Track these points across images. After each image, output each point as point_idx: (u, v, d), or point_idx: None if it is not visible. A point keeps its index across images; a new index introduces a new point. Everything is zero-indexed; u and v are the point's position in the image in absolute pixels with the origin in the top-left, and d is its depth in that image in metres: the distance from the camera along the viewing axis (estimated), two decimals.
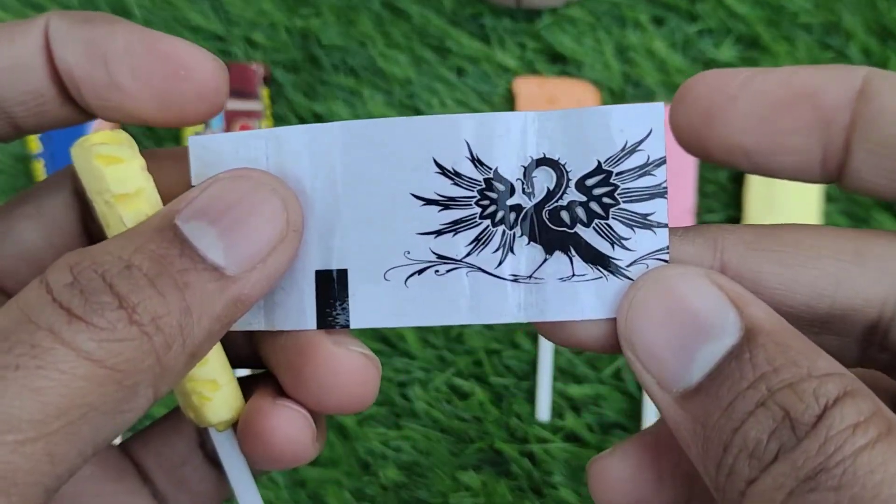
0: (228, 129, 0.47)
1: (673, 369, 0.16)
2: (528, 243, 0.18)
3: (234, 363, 0.19)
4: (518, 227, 0.18)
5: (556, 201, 0.18)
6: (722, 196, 0.47)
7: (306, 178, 0.18)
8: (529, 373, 0.46)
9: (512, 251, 0.18)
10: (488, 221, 0.18)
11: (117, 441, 0.21)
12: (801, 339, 0.15)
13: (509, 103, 0.48)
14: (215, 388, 0.18)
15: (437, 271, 0.18)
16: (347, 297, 0.18)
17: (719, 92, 0.17)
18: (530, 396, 0.46)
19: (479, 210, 0.18)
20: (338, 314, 0.18)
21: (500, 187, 0.18)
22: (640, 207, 0.17)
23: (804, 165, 0.17)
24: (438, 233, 0.18)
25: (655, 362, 0.16)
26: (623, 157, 0.17)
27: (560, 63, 0.48)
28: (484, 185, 0.17)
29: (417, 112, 0.48)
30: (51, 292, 0.14)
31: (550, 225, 0.18)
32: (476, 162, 0.17)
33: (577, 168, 0.17)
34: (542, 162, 0.17)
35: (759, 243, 0.17)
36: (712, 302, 0.16)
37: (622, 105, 0.17)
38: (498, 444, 0.45)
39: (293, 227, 0.17)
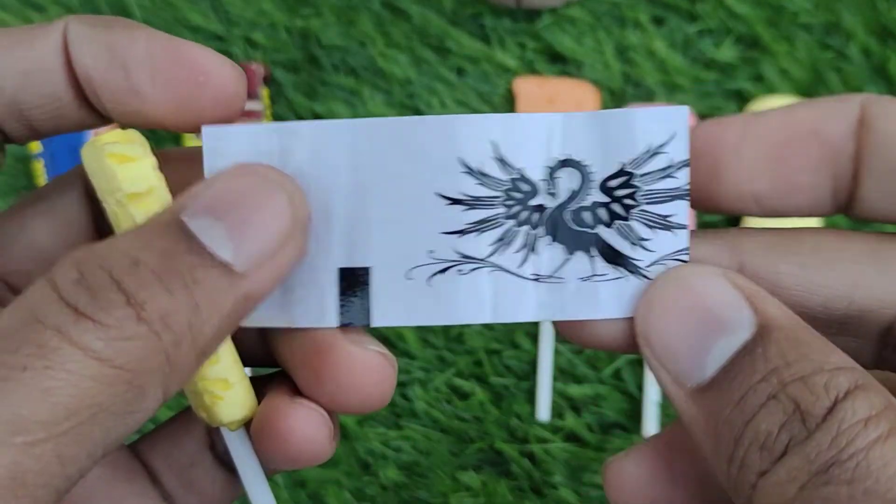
0: None
1: (688, 364, 0.16)
2: (551, 243, 0.18)
3: (246, 362, 0.19)
4: (541, 227, 0.18)
5: (580, 202, 0.18)
6: None
7: (328, 175, 0.18)
8: (529, 373, 0.46)
9: (534, 251, 0.18)
10: (512, 221, 0.18)
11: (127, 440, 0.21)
12: (814, 336, 0.16)
13: (509, 103, 0.48)
14: (227, 387, 0.18)
15: (460, 270, 0.18)
16: (369, 294, 0.18)
17: (719, 144, 0.17)
18: (530, 396, 0.46)
19: (503, 210, 0.18)
20: (359, 312, 0.18)
21: (526, 188, 0.18)
22: (660, 209, 0.18)
23: (816, 201, 0.17)
24: (463, 232, 0.18)
25: (671, 357, 0.16)
26: (646, 159, 0.17)
27: (560, 63, 0.49)
28: (510, 186, 0.18)
29: (418, 112, 0.49)
30: (57, 290, 0.14)
31: (573, 225, 0.18)
32: (502, 162, 0.17)
33: (601, 170, 0.18)
34: (567, 163, 0.18)
35: (779, 246, 0.17)
36: (728, 298, 0.16)
37: (646, 108, 0.17)
38: (498, 444, 0.45)
39: (300, 222, 0.17)
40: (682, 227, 0.18)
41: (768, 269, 0.17)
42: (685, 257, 0.18)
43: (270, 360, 0.20)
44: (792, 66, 0.47)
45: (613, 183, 0.18)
